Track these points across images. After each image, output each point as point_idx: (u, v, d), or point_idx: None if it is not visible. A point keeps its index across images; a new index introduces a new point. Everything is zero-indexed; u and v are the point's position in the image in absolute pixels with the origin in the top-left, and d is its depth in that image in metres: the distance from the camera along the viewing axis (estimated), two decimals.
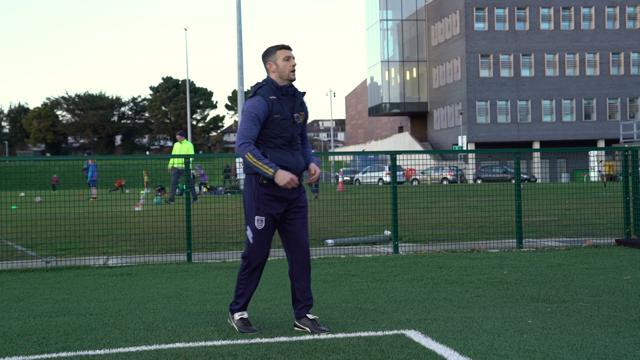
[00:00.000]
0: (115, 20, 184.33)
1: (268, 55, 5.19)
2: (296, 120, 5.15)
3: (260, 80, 5.23)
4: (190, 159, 19.34)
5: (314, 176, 5.18)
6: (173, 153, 21.69)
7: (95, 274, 8.43)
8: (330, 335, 5.00)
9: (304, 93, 5.24)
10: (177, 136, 21.86)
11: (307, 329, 5.13)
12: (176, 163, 19.98)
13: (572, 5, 61.42)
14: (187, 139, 21.94)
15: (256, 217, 5.10)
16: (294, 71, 5.14)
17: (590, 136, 61.66)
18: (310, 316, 5.20)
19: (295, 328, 5.22)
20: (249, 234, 5.13)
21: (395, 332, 5.07)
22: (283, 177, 4.94)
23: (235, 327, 5.23)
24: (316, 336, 5.00)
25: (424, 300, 6.29)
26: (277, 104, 5.08)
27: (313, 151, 7.42)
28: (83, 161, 27.30)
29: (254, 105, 5.04)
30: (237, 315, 5.24)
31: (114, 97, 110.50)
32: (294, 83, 5.22)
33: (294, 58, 5.16)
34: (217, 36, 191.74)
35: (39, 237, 10.61)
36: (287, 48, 5.18)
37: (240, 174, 23.16)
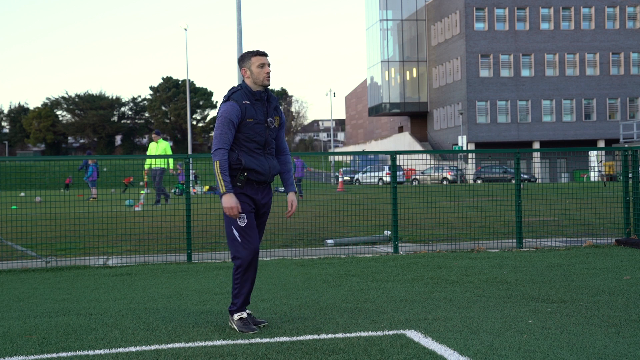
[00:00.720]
0: (115, 20, 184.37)
1: (243, 60, 5.29)
2: (269, 125, 5.25)
3: (235, 85, 5.33)
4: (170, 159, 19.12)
5: (291, 212, 5.41)
6: (149, 154, 20.77)
7: (95, 274, 8.43)
8: (330, 335, 5.01)
9: (277, 99, 5.38)
10: (153, 135, 21.00)
11: (235, 327, 5.24)
12: (154, 164, 19.58)
13: (572, 5, 61.42)
14: (162, 138, 21.19)
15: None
16: (268, 78, 5.25)
17: (590, 136, 61.66)
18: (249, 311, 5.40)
19: (229, 323, 5.35)
20: (235, 233, 5.21)
21: (395, 332, 5.07)
22: (227, 202, 5.09)
23: (236, 328, 5.24)
24: (316, 336, 5.00)
25: (424, 300, 6.29)
26: (250, 109, 5.18)
27: (313, 151, 7.32)
28: (82, 161, 27.22)
29: (228, 110, 5.15)
30: (236, 316, 5.27)
31: (114, 97, 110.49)
32: (269, 88, 5.34)
33: (268, 65, 5.27)
34: (217, 36, 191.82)
35: (39, 237, 10.62)
36: (262, 54, 5.28)
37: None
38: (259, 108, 5.23)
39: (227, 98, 5.22)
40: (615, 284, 6.95)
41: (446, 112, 65.56)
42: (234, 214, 5.10)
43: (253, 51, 5.28)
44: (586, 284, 6.99)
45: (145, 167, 20.27)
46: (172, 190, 26.06)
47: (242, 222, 5.20)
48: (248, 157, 5.17)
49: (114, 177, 25.09)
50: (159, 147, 20.73)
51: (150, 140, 20.85)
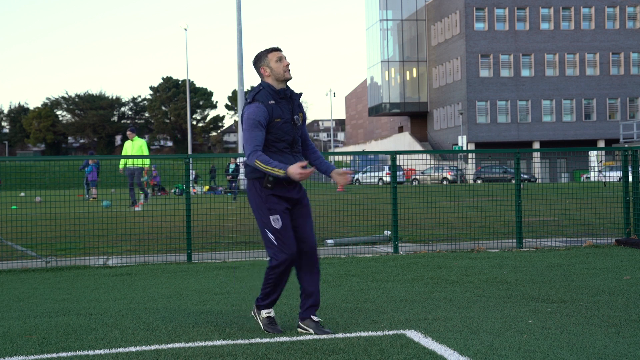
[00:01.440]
0: (115, 20, 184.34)
1: (260, 60, 5.16)
2: (296, 123, 5.13)
3: (256, 86, 5.20)
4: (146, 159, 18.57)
5: (345, 179, 5.15)
6: (124, 152, 19.68)
7: (95, 274, 8.43)
8: (330, 335, 5.00)
9: (301, 94, 5.22)
10: (128, 132, 19.67)
11: (310, 331, 5.08)
12: (129, 163, 18.51)
13: (572, 5, 61.41)
14: (138, 136, 19.78)
15: (271, 217, 5.05)
16: (288, 70, 5.12)
17: (590, 136, 61.65)
18: (315, 318, 5.13)
19: (299, 329, 5.16)
20: (270, 236, 5.05)
21: (395, 332, 5.07)
22: (293, 172, 4.87)
23: (260, 323, 5.20)
24: (316, 336, 5.00)
25: (424, 300, 6.29)
26: (276, 108, 5.05)
27: None
28: (82, 161, 27.15)
29: (255, 112, 5.00)
30: (264, 313, 5.19)
31: (114, 97, 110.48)
32: (289, 84, 5.20)
33: (285, 58, 5.15)
34: (217, 36, 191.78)
35: (39, 237, 10.61)
36: (278, 50, 5.17)
37: (241, 175, 23.05)
38: (285, 106, 5.10)
39: (252, 99, 5.07)
40: (615, 284, 6.95)
41: (446, 112, 65.55)
42: (307, 173, 4.87)
43: (267, 49, 5.16)
44: (586, 284, 6.99)
45: (120, 166, 19.30)
46: (172, 191, 26.06)
47: (277, 224, 5.04)
48: (277, 157, 5.03)
49: (114, 177, 25.08)
50: (135, 145, 19.54)
51: (126, 138, 19.34)
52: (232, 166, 26.48)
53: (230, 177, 23.79)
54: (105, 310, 6.11)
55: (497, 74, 61.18)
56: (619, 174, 22.96)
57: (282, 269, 5.07)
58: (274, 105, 5.06)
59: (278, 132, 5.04)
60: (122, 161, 18.88)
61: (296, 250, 5.08)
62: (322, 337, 4.97)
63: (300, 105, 5.24)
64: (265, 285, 5.15)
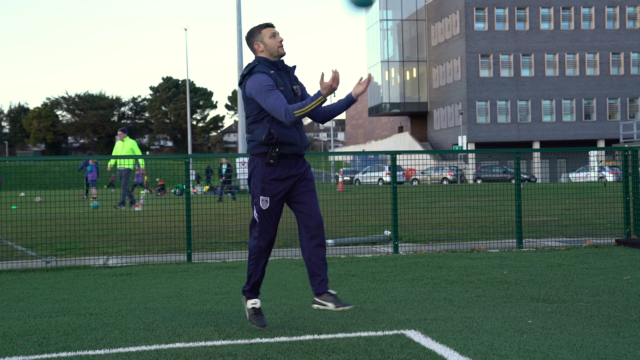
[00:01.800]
0: (115, 20, 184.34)
1: (253, 36, 5.12)
2: (296, 92, 5.10)
3: (251, 61, 5.13)
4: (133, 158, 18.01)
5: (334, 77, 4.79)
6: (114, 153, 19.55)
7: (95, 274, 8.43)
8: (330, 335, 5.00)
9: (295, 67, 5.20)
10: (119, 133, 19.45)
11: (330, 305, 4.96)
12: (119, 163, 18.40)
13: (572, 5, 61.42)
14: (129, 136, 19.57)
15: (261, 197, 5.05)
16: (282, 46, 5.08)
17: (590, 136, 61.65)
18: (331, 291, 5.03)
19: (315, 305, 5.04)
20: (255, 213, 5.11)
21: (395, 332, 5.07)
22: (326, 86, 4.75)
23: (247, 314, 5.25)
24: (316, 336, 5.00)
25: (424, 300, 6.29)
26: (277, 77, 5.03)
27: (313, 151, 7.25)
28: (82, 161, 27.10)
29: (262, 79, 4.93)
30: (250, 303, 5.21)
31: (114, 97, 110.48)
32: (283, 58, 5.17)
33: (279, 34, 5.11)
34: (217, 36, 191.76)
35: (39, 237, 10.61)
36: (271, 26, 5.13)
37: (240, 175, 23.00)
38: (284, 76, 5.08)
39: (249, 71, 5.01)
40: (615, 284, 6.95)
41: (446, 112, 65.55)
42: (334, 76, 4.72)
43: (261, 24, 5.11)
44: (586, 284, 6.99)
45: (109, 166, 19.10)
46: (172, 191, 26.05)
47: (264, 205, 5.04)
48: (280, 130, 4.97)
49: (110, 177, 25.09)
50: (125, 145, 19.30)
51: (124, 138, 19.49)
52: (225, 167, 26.19)
53: (223, 178, 23.38)
54: (105, 310, 6.11)
55: (497, 74, 61.18)
56: (603, 173, 23.00)
57: (260, 249, 5.12)
58: (275, 75, 5.03)
59: None
60: (111, 161, 18.74)
61: (274, 236, 5.12)
62: (322, 336, 4.96)
63: (296, 78, 5.21)
64: (248, 268, 5.20)
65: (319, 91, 4.82)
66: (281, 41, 5.09)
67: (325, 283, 5.06)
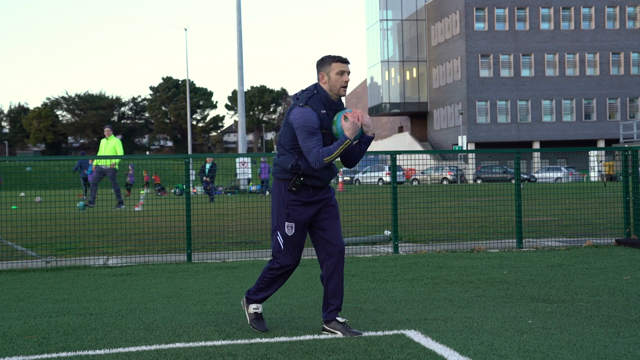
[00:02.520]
0: (115, 20, 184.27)
1: (323, 64, 4.99)
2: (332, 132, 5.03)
3: (310, 86, 5.04)
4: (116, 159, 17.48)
5: (359, 116, 4.85)
6: (100, 151, 18.92)
7: (95, 274, 8.43)
8: (330, 335, 5.01)
9: (341, 102, 5.10)
10: (106, 130, 18.86)
11: (338, 333, 4.99)
12: (101, 162, 17.92)
13: (572, 5, 61.43)
14: (114, 135, 19.05)
15: (286, 223, 5.00)
16: (345, 87, 4.96)
17: (590, 136, 61.67)
18: (340, 319, 5.05)
19: (324, 332, 5.08)
20: (280, 239, 5.03)
21: (395, 332, 5.07)
22: (349, 125, 4.77)
23: (247, 317, 5.23)
24: (316, 336, 5.00)
25: (424, 300, 6.29)
26: (326, 119, 4.95)
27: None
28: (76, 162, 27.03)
29: (310, 118, 4.85)
30: (252, 308, 5.19)
31: (114, 97, 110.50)
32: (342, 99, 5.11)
33: (348, 73, 4.96)
34: (217, 36, 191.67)
35: (39, 237, 10.61)
36: (344, 62, 4.97)
37: (240, 174, 22.98)
38: (331, 118, 4.99)
39: (305, 103, 4.90)
40: (615, 284, 6.95)
41: (446, 112, 65.56)
42: (358, 114, 4.78)
43: (335, 56, 4.97)
44: (586, 284, 6.99)
45: (93, 164, 18.55)
46: (172, 191, 26.05)
47: (290, 231, 5.01)
48: (308, 164, 4.93)
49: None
50: (109, 144, 18.65)
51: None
52: (208, 165, 25.89)
53: (206, 177, 23.01)
54: (105, 310, 6.11)
55: (497, 74, 61.19)
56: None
57: (281, 272, 5.10)
58: (325, 115, 4.94)
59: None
60: (95, 161, 18.27)
61: (299, 261, 5.09)
62: (322, 336, 4.97)
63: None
64: (261, 281, 5.17)
65: (343, 134, 4.80)
66: (346, 82, 4.93)
67: (337, 312, 5.07)
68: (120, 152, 18.94)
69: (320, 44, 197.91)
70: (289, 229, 5.00)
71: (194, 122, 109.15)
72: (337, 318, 5.05)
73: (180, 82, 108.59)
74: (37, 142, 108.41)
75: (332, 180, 5.15)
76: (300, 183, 4.96)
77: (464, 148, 56.71)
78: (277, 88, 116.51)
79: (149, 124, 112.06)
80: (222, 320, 5.60)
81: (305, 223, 5.05)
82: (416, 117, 72.17)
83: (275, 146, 5.09)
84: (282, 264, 5.06)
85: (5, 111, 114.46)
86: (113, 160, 17.96)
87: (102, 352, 4.68)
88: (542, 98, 61.51)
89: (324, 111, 4.94)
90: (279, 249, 5.05)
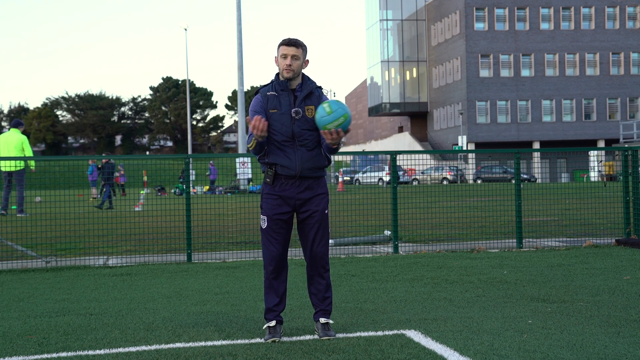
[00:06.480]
0: (115, 20, 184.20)
1: (277, 48, 5.06)
2: (294, 116, 4.93)
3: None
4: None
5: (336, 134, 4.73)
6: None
7: (95, 274, 8.43)
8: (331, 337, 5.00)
9: (313, 89, 5.02)
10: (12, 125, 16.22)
11: (317, 333, 5.01)
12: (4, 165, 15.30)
13: (572, 5, 61.41)
14: (18, 129, 16.12)
15: (261, 216, 5.05)
16: (287, 70, 4.94)
17: (590, 136, 61.65)
18: (322, 320, 5.03)
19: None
20: (262, 236, 5.10)
21: (395, 332, 5.07)
22: (252, 126, 4.79)
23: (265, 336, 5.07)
24: (316, 336, 5.00)
25: (424, 300, 6.29)
26: (273, 99, 4.97)
27: None
28: (83, 161, 27.01)
29: (253, 103, 5.03)
30: (265, 326, 5.04)
31: (114, 97, 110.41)
32: (307, 78, 5.04)
33: (292, 57, 4.93)
34: (217, 36, 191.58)
35: (39, 237, 10.61)
36: (287, 44, 4.96)
37: (241, 174, 22.98)
38: (285, 98, 4.97)
39: (257, 91, 5.08)
40: (615, 284, 6.95)
41: (446, 112, 65.55)
42: (256, 123, 4.72)
43: (283, 40, 5.01)
44: (586, 284, 6.99)
45: (32, 167, 15.95)
46: (172, 191, 26.04)
47: (262, 224, 5.03)
48: (275, 151, 4.92)
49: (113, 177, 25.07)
50: (9, 139, 15.90)
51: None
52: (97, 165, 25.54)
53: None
54: (105, 310, 6.11)
55: (497, 74, 61.17)
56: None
57: (267, 273, 5.03)
58: (272, 96, 4.98)
59: (275, 123, 4.92)
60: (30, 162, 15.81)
61: (278, 255, 4.98)
62: (324, 338, 4.96)
63: (310, 97, 5.00)
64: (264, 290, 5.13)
65: (250, 133, 4.87)
66: (288, 65, 4.91)
67: (321, 315, 5.07)
68: (28, 150, 16.13)
69: (320, 44, 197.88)
70: (262, 221, 5.04)
71: (194, 122, 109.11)
72: (320, 318, 5.05)
73: (180, 82, 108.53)
74: (37, 142, 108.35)
75: (314, 176, 4.98)
76: (272, 172, 4.96)
77: (464, 148, 56.70)
78: None
79: (149, 124, 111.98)
80: (222, 320, 5.60)
81: (276, 220, 4.97)
82: (416, 117, 72.15)
83: None
84: (264, 264, 5.05)
85: (5, 111, 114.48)
86: (18, 163, 15.43)
87: (102, 352, 4.68)
88: (542, 98, 61.48)
89: (273, 92, 4.99)
90: (262, 244, 5.10)
